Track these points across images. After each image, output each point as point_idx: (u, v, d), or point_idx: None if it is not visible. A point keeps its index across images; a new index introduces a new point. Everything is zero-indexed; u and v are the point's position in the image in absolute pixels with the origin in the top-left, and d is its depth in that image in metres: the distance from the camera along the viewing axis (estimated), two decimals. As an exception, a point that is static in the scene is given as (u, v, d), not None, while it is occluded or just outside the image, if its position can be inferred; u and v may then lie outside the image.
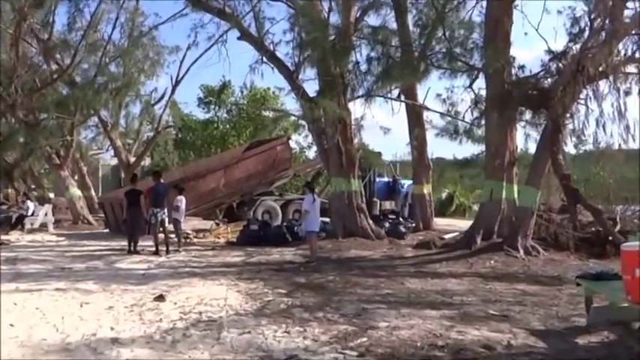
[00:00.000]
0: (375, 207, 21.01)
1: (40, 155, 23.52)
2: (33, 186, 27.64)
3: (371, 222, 16.48)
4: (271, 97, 33.18)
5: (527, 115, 14.81)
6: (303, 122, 18.35)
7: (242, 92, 34.49)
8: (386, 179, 23.20)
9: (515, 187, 14.19)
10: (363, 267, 11.82)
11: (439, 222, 20.93)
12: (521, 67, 13.69)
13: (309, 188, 13.11)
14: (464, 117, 16.35)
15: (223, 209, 21.73)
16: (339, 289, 9.22)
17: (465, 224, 23.10)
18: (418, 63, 13.81)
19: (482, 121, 15.47)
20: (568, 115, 12.63)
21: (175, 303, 7.95)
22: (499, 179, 13.90)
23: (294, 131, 30.40)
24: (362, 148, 17.60)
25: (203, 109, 35.47)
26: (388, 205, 22.58)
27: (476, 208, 36.99)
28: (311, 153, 35.35)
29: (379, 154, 21.18)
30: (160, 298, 8.13)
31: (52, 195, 29.15)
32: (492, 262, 12.12)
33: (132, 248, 13.99)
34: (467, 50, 14.06)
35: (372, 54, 14.39)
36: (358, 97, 15.88)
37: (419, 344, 5.90)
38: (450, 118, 16.82)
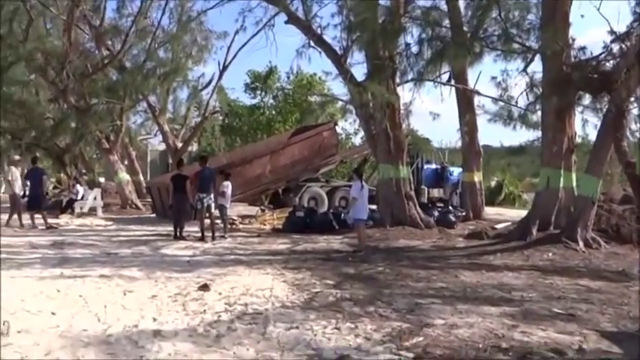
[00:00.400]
0: (422, 195, 20.41)
1: (91, 140, 23.80)
2: (84, 170, 28.05)
3: (420, 210, 15.98)
4: (317, 83, 32.80)
5: (586, 100, 14.02)
6: (351, 107, 17.84)
7: (288, 77, 34.29)
8: (434, 166, 22.53)
9: (574, 176, 13.47)
10: (413, 257, 11.35)
11: (488, 211, 20.21)
12: (582, 49, 12.85)
13: (358, 175, 12.64)
14: (517, 102, 15.60)
15: (269, 195, 21.52)
16: (390, 281, 8.81)
17: (515, 214, 22.37)
18: (472, 44, 13.07)
19: (538, 106, 14.74)
20: (632, 99, 11.84)
21: (220, 293, 7.67)
22: (556, 167, 13.20)
23: (341, 117, 30.04)
24: (411, 134, 17.04)
25: (250, 94, 35.42)
26: (436, 192, 21.95)
27: (526, 197, 36.18)
28: (357, 139, 34.93)
29: (428, 140, 20.49)
30: (205, 287, 7.88)
31: (102, 179, 29.62)
32: (550, 254, 11.47)
33: (178, 234, 13.90)
34: (523, 31, 13.26)
35: (424, 35, 13.71)
36: (407, 81, 15.36)
37: (480, 345, 5.44)
38: (503, 103, 15.99)
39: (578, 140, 14.05)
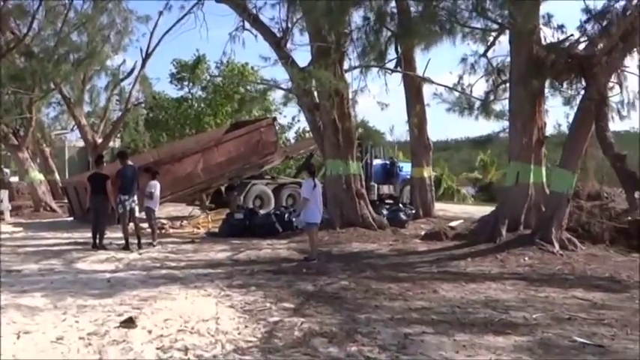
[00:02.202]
0: (372, 192, 19.06)
1: (-3, 135, 21.06)
2: (-10, 170, 25.15)
3: (371, 209, 14.57)
4: (250, 73, 30.80)
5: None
6: (291, 96, 16.15)
7: (218, 67, 32.14)
8: (381, 161, 21.21)
9: (544, 170, 12.34)
10: (375, 266, 9.88)
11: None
12: (560, 27, 11.54)
13: (310, 171, 10.87)
14: (471, 91, 14.27)
15: (210, 194, 19.54)
16: (361, 301, 7.22)
17: (459, 209, 21.63)
18: (434, 18, 11.29)
19: (499, 94, 13.58)
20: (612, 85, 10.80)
21: (150, 331, 5.77)
22: (526, 160, 12.01)
23: (276, 110, 28.42)
24: (362, 126, 15.54)
25: (176, 85, 33.12)
26: (386, 189, 20.65)
27: (464, 191, 35.84)
28: (291, 134, 33.35)
29: (380, 132, 19.04)
30: (130, 322, 5.97)
31: (15, 179, 26.75)
32: (527, 258, 10.28)
33: (97, 242, 11.88)
34: (496, 5, 11.82)
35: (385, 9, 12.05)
36: (355, 67, 13.93)
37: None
38: (461, 92, 14.60)
39: (551, 131, 12.91)
